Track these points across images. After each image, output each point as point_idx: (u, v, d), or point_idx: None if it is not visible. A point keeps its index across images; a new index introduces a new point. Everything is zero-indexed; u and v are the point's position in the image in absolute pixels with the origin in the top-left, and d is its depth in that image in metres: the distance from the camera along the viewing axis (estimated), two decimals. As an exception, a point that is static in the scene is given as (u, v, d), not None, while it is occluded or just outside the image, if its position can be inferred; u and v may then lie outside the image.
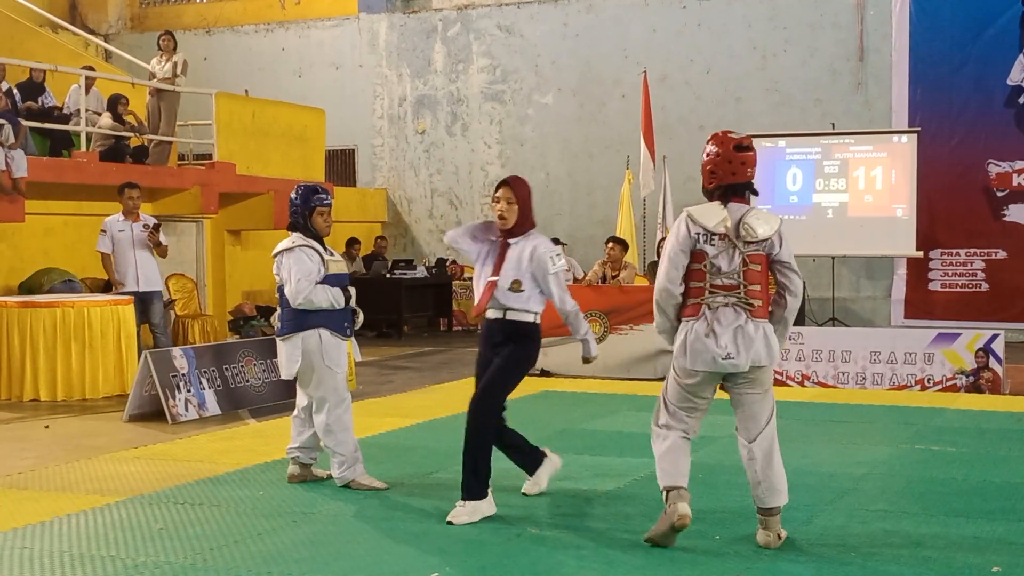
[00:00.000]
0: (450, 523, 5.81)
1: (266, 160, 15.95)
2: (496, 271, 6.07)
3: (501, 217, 6.15)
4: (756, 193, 5.46)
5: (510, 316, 6.04)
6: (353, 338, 6.86)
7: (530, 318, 6.06)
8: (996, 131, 15.68)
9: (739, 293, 5.28)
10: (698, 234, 5.30)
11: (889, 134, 15.46)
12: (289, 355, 6.57)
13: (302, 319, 6.54)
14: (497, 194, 6.20)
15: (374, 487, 6.58)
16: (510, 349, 6.04)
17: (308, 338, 6.53)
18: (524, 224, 6.18)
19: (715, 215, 5.31)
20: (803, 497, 6.39)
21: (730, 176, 5.34)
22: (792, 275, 5.37)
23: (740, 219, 5.29)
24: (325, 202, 6.65)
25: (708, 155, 5.39)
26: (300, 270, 6.47)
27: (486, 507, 5.94)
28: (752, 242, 5.28)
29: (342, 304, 6.59)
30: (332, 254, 6.76)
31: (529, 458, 6.47)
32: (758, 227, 5.28)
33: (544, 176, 18.44)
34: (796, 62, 16.87)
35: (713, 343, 5.24)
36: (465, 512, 5.88)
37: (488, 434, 6.01)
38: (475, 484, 5.91)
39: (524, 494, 6.42)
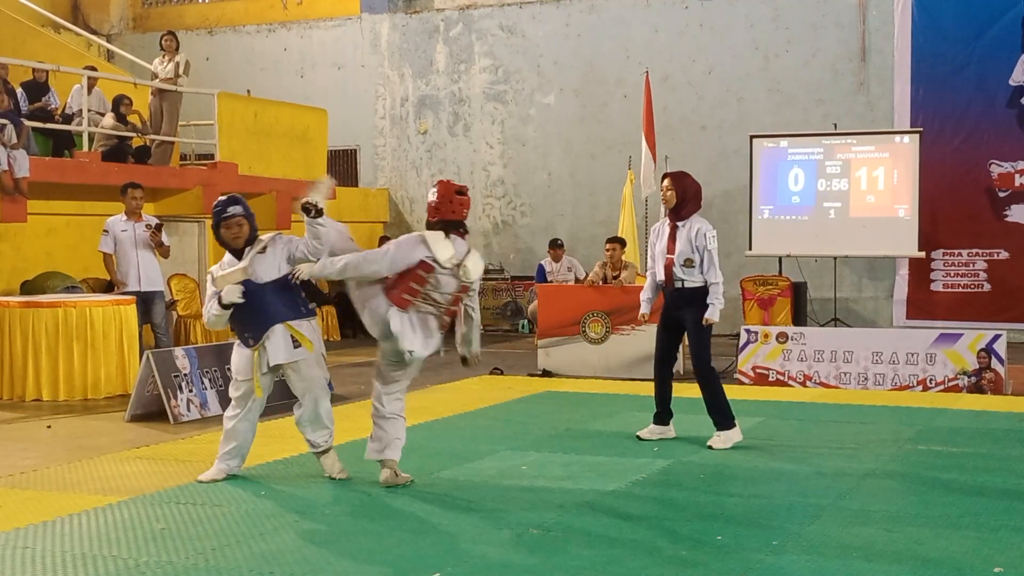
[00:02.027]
0: (710, 447, 7.68)
1: (268, 160, 15.95)
2: (670, 249, 7.86)
3: (665, 200, 7.93)
4: (467, 231, 6.73)
5: (688, 284, 7.82)
6: (265, 347, 6.72)
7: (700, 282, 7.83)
8: (998, 131, 15.67)
9: (441, 309, 6.57)
10: (430, 258, 6.45)
11: (891, 134, 15.44)
12: None
13: None
14: (663, 184, 7.97)
15: (211, 479, 6.84)
16: (692, 311, 7.80)
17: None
18: (685, 209, 7.86)
19: (446, 250, 6.50)
20: (805, 497, 6.40)
21: (450, 214, 6.58)
22: (476, 300, 6.86)
23: (462, 260, 6.54)
24: (224, 215, 6.72)
25: (436, 196, 6.60)
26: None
27: (736, 434, 7.80)
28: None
29: (218, 311, 6.76)
30: (239, 261, 6.75)
31: (662, 412, 8.11)
32: (472, 272, 6.60)
33: (546, 176, 18.44)
34: (798, 62, 16.87)
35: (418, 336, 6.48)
36: (720, 440, 7.76)
37: (715, 378, 7.90)
38: (722, 418, 7.81)
39: (638, 436, 8.07)
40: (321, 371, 6.87)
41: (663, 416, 8.18)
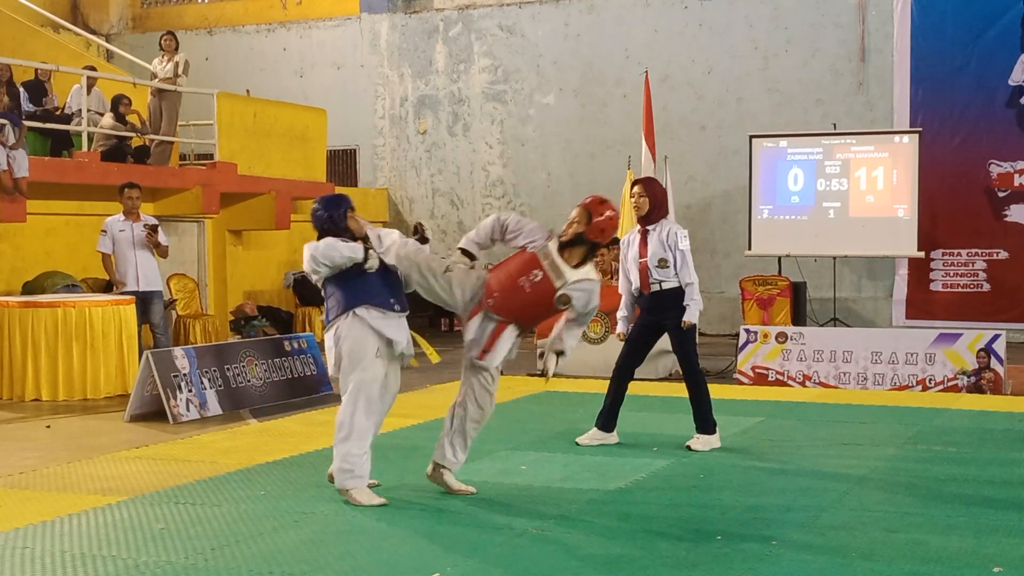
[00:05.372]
0: (689, 448, 7.69)
1: (267, 160, 15.95)
2: (643, 253, 7.83)
3: (637, 207, 7.87)
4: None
5: (665, 286, 7.79)
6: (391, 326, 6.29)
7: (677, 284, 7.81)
8: (998, 131, 15.67)
9: None
10: None
11: (891, 134, 15.44)
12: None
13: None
14: (634, 190, 7.96)
15: (371, 503, 6.18)
16: (673, 315, 7.77)
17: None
18: (654, 214, 7.83)
19: None
20: (805, 497, 6.40)
21: None
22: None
23: None
24: (350, 206, 6.40)
25: None
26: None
27: (715, 440, 7.79)
28: None
29: (346, 261, 6.17)
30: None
31: (609, 417, 8.03)
32: None
33: (545, 176, 18.44)
34: (798, 62, 16.87)
35: None
36: (700, 443, 7.76)
37: (702, 380, 7.90)
38: (704, 423, 7.81)
39: (577, 442, 7.96)
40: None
41: (608, 422, 8.06)
